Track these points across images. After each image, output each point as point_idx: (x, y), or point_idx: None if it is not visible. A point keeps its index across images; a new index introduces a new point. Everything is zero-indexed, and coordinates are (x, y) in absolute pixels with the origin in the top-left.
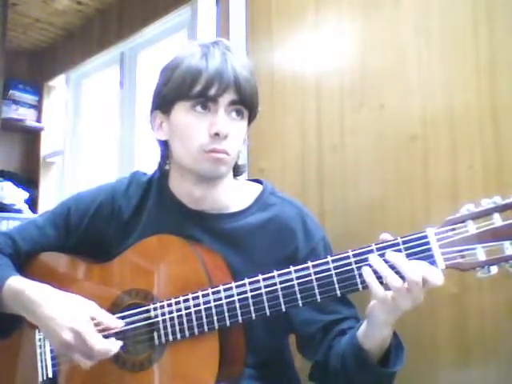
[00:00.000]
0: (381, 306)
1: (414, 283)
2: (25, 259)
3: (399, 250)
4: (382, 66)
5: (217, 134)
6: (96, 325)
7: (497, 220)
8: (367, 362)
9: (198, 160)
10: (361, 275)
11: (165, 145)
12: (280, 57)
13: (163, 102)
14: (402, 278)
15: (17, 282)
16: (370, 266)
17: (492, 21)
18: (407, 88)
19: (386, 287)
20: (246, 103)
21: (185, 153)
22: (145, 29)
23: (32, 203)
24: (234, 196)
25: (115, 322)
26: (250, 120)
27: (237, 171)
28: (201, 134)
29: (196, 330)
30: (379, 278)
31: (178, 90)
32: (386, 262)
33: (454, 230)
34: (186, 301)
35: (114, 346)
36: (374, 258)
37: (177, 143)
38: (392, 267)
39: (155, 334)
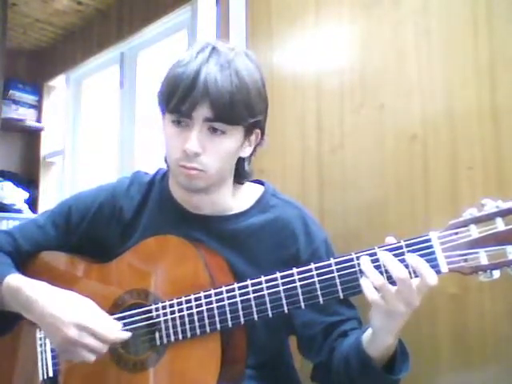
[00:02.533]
0: (375, 309)
1: (401, 281)
2: (25, 258)
3: (402, 254)
4: (382, 65)
5: (185, 151)
6: None
7: (499, 224)
8: (372, 367)
9: (175, 172)
10: None
11: None
12: (280, 57)
13: (160, 109)
14: (390, 277)
15: (15, 280)
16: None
17: (492, 21)
18: (407, 88)
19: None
20: (224, 120)
21: (168, 162)
22: (145, 29)
23: (32, 203)
24: (234, 198)
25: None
26: (251, 129)
27: (240, 177)
28: (176, 148)
29: (198, 331)
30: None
31: (161, 101)
32: (377, 260)
33: (456, 233)
34: (188, 301)
35: (124, 333)
36: (363, 260)
37: (166, 149)
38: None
39: (157, 335)
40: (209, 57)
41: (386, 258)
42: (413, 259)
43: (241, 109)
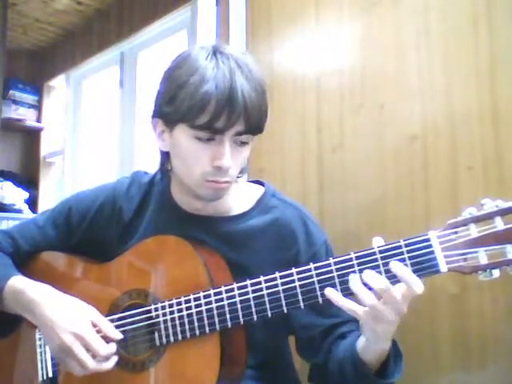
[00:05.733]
0: (365, 323)
1: (383, 292)
2: (24, 258)
3: (401, 253)
4: (382, 66)
5: (220, 167)
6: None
7: (499, 223)
8: (365, 372)
9: (199, 185)
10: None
11: (165, 154)
12: (280, 57)
13: (166, 117)
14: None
15: (18, 282)
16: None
17: (492, 20)
18: (407, 88)
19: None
20: (254, 131)
21: (186, 174)
22: (145, 29)
23: (32, 203)
24: (235, 199)
25: (114, 333)
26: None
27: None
28: (203, 163)
29: (197, 331)
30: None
31: (183, 114)
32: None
33: (456, 233)
34: (187, 301)
35: (113, 359)
36: (352, 278)
37: (178, 161)
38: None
39: (156, 335)
40: (233, 68)
41: (367, 276)
42: (398, 268)
43: (265, 118)
